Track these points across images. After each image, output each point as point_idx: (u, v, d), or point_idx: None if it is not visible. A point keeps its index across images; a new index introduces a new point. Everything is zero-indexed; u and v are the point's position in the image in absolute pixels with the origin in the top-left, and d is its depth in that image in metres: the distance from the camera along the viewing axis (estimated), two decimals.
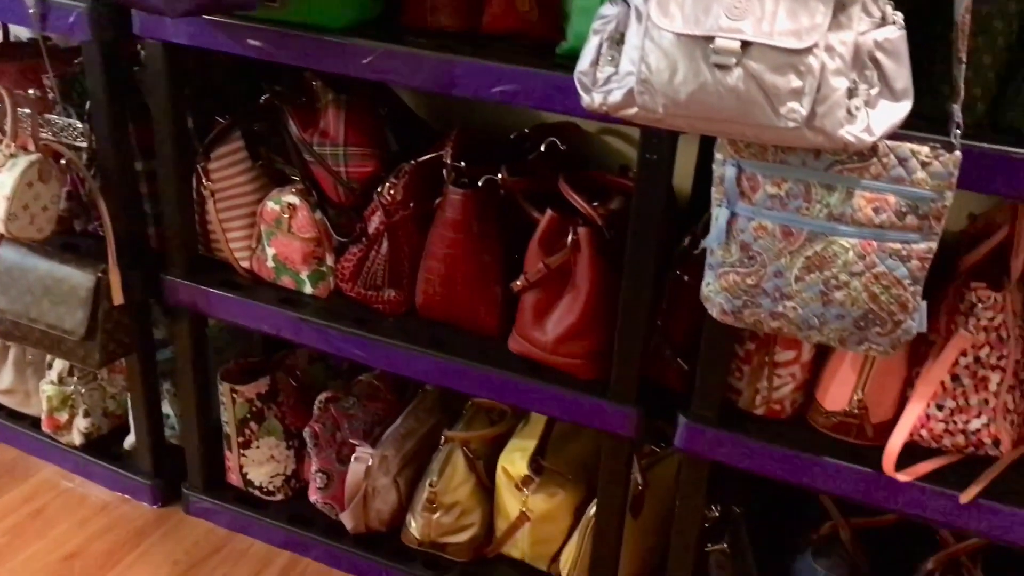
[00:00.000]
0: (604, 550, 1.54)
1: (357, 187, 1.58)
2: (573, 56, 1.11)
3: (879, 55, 0.97)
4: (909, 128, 1.03)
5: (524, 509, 1.62)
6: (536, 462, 1.61)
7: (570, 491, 1.64)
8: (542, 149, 1.59)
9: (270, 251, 1.64)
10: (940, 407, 1.26)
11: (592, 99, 1.08)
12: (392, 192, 1.52)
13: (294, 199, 1.60)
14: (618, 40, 1.06)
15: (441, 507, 1.66)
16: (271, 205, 1.61)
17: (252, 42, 1.42)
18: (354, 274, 1.59)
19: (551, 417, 1.63)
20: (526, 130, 1.68)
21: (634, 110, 1.05)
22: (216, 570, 1.77)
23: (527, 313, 1.46)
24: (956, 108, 1.01)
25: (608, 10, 1.07)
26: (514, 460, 1.63)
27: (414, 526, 1.69)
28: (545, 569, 1.68)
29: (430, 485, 1.64)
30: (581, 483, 1.64)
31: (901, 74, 0.99)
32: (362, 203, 1.59)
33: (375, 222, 1.55)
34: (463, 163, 1.50)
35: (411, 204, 1.54)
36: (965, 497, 1.22)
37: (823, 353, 1.34)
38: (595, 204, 1.44)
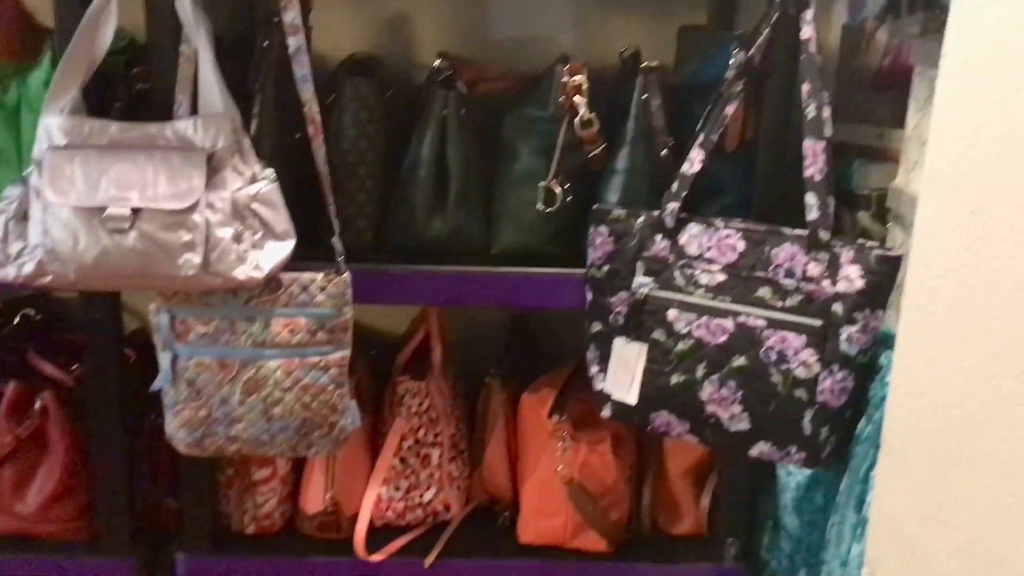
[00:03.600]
0: None
1: None
2: None
3: (256, 206, 1.16)
4: (322, 259, 1.23)
5: None
6: None
7: None
8: (15, 322, 1.61)
9: None
10: (398, 488, 1.46)
11: (7, 273, 1.15)
12: None
13: None
14: (23, 217, 1.15)
15: None
16: None
17: None
18: None
19: None
20: None
21: (49, 278, 1.14)
22: None
23: (6, 488, 1.44)
24: (336, 240, 1.23)
25: (11, 191, 1.16)
26: None
27: None
28: None
29: None
30: None
31: (280, 218, 1.18)
32: None
33: None
34: None
35: None
36: (427, 561, 1.42)
37: (301, 466, 1.49)
38: (75, 367, 1.49)
